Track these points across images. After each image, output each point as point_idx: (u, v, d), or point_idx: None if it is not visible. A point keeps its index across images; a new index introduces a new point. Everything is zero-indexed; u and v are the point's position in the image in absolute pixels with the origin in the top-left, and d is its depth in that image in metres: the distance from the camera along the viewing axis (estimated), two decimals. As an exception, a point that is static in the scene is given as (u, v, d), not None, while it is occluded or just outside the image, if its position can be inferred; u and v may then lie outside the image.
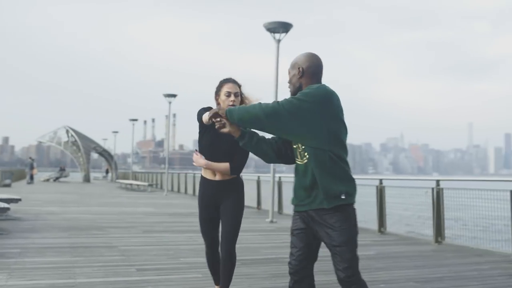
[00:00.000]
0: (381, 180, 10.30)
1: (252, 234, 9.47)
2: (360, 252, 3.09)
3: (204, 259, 6.37)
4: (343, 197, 2.89)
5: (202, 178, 4.01)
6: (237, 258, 6.53)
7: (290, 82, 3.10)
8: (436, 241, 8.55)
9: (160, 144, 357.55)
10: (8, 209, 7.61)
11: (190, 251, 7.13)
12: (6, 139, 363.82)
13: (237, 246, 7.58)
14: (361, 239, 3.32)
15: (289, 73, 3.11)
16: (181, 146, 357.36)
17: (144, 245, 7.61)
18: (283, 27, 12.25)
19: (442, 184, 8.93)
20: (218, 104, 3.80)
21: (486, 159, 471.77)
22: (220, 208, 3.99)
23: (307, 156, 2.93)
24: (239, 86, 3.85)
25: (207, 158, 3.86)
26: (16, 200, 11.11)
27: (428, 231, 9.35)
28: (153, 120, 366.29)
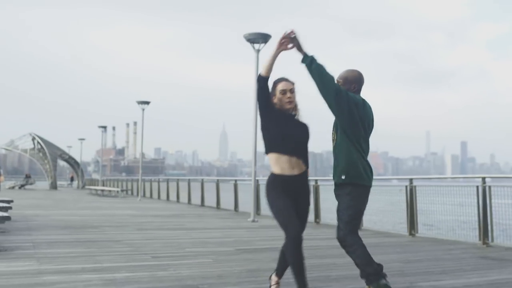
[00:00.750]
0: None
1: (239, 230, 10.12)
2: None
3: (206, 249, 7.05)
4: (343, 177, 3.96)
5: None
6: (236, 248, 7.22)
7: None
8: (410, 234, 9.39)
9: (121, 152, 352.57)
10: (8, 218, 7.84)
11: (192, 244, 7.74)
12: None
13: (230, 239, 8.28)
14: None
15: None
16: (142, 155, 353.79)
17: (146, 239, 8.17)
18: (263, 38, 13.03)
19: (414, 182, 9.81)
20: (274, 104, 3.97)
21: (444, 166, 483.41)
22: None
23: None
24: (293, 83, 4.00)
25: (278, 147, 3.90)
26: (8, 202, 11.42)
27: (401, 226, 10.22)
28: (113, 128, 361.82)
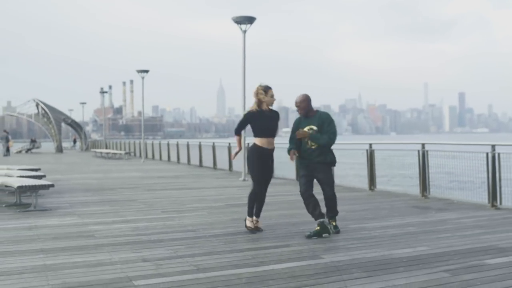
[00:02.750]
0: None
1: (231, 188, 12.27)
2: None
3: (203, 204, 9.18)
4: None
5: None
6: (227, 203, 9.35)
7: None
8: (370, 189, 11.53)
9: (118, 111, 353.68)
10: (52, 185, 9.67)
11: (191, 200, 9.89)
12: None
13: (222, 197, 10.39)
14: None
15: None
16: (139, 113, 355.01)
17: (155, 198, 10.32)
18: (248, 20, 14.87)
19: (374, 146, 11.90)
20: (258, 100, 6.50)
21: (442, 118, 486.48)
22: None
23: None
24: None
25: (266, 134, 6.50)
26: (36, 170, 13.52)
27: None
28: (110, 87, 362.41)
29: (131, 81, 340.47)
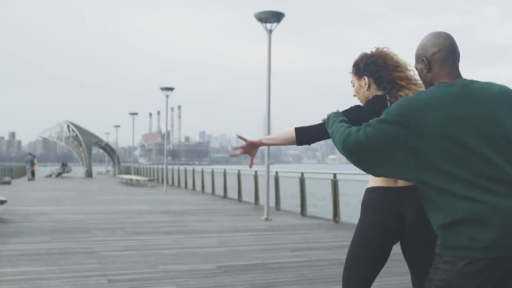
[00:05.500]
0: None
1: (241, 234, 9.10)
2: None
3: (182, 266, 6.05)
4: None
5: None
6: (219, 264, 6.20)
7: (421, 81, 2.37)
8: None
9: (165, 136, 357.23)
10: None
11: (171, 256, 6.76)
12: (13, 134, 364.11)
13: (222, 249, 7.27)
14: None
15: (416, 70, 2.37)
16: (187, 138, 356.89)
17: (126, 250, 7.25)
18: (275, 17, 11.84)
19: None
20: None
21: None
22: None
23: None
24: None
25: None
26: (2, 202, 10.78)
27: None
28: (158, 113, 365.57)
29: (179, 107, 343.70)
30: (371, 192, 2.67)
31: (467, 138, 2.06)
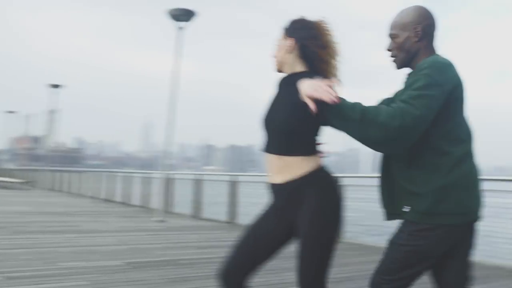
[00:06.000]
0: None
1: (139, 234, 8.68)
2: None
3: (88, 263, 5.58)
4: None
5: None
6: (127, 261, 5.81)
7: (398, 48, 2.26)
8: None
9: (37, 140, 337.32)
10: None
11: (70, 254, 6.23)
12: None
13: (124, 247, 6.87)
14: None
15: (394, 37, 2.26)
16: (62, 144, 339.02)
17: (15, 248, 6.57)
18: (186, 15, 11.61)
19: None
20: None
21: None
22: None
23: None
24: None
25: None
26: None
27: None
28: (27, 116, 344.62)
29: (52, 111, 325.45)
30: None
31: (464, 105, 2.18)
